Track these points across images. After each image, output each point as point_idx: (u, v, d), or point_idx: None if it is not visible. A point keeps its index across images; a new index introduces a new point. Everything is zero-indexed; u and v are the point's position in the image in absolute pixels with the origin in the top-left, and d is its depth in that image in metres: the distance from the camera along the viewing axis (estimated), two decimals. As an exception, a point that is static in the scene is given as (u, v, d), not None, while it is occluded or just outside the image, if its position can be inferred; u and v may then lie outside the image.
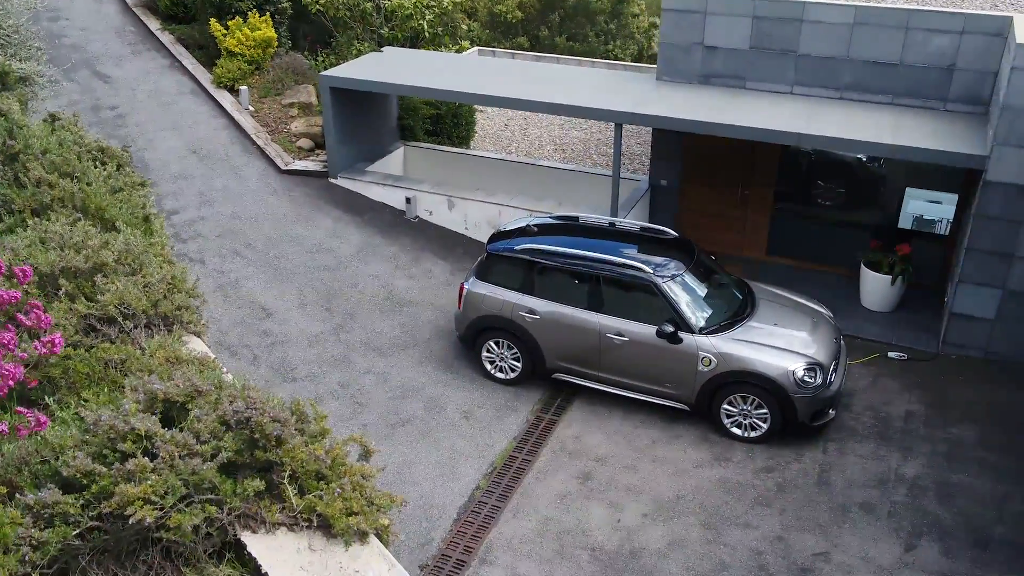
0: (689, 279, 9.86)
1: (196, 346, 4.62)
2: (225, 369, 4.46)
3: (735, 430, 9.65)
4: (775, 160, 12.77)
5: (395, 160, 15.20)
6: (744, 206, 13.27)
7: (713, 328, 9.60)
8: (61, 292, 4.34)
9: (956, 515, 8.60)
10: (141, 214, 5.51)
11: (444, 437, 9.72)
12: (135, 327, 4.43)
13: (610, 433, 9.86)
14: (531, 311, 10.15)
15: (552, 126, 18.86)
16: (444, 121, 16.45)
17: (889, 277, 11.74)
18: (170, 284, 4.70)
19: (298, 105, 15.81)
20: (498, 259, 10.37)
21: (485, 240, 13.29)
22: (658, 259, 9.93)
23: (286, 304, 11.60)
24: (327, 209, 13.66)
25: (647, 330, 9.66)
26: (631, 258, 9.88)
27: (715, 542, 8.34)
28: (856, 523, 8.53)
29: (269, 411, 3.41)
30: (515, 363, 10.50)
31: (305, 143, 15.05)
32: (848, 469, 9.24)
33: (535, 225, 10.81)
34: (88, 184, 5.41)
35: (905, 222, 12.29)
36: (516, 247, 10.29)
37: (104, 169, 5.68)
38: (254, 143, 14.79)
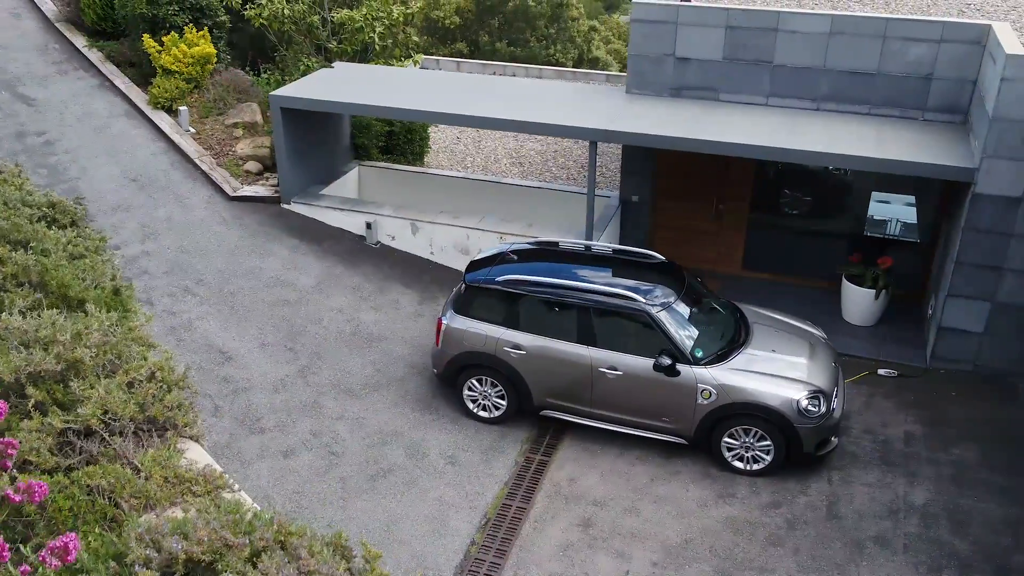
0: (682, 307, 9.38)
1: (195, 454, 3.89)
2: (234, 482, 3.75)
3: (737, 463, 9.21)
4: (750, 174, 12.42)
5: (350, 181, 14.42)
6: (719, 221, 12.90)
7: (711, 358, 9.14)
8: (30, 404, 3.57)
9: (972, 544, 8.30)
10: (109, 286, 4.72)
11: (430, 487, 9.04)
12: (122, 438, 3.69)
13: (606, 472, 9.32)
14: (516, 346, 9.55)
15: (507, 138, 18.27)
16: (398, 137, 15.72)
17: (872, 291, 11.48)
18: (160, 382, 3.96)
19: (243, 125, 14.88)
20: (478, 291, 9.74)
21: (452, 264, 12.70)
22: (648, 287, 9.43)
23: (246, 345, 10.75)
24: (282, 238, 12.81)
25: (642, 363, 9.15)
26: (621, 287, 9.35)
27: (732, 591, 7.87)
28: (874, 560, 8.16)
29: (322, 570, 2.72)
30: (499, 401, 9.88)
31: (253, 166, 14.15)
32: (856, 499, 8.88)
33: (513, 252, 10.21)
34: (45, 254, 4.62)
35: (872, 225, 12.13)
36: (497, 278, 9.66)
37: (63, 233, 4.88)
38: (198, 168, 13.83)
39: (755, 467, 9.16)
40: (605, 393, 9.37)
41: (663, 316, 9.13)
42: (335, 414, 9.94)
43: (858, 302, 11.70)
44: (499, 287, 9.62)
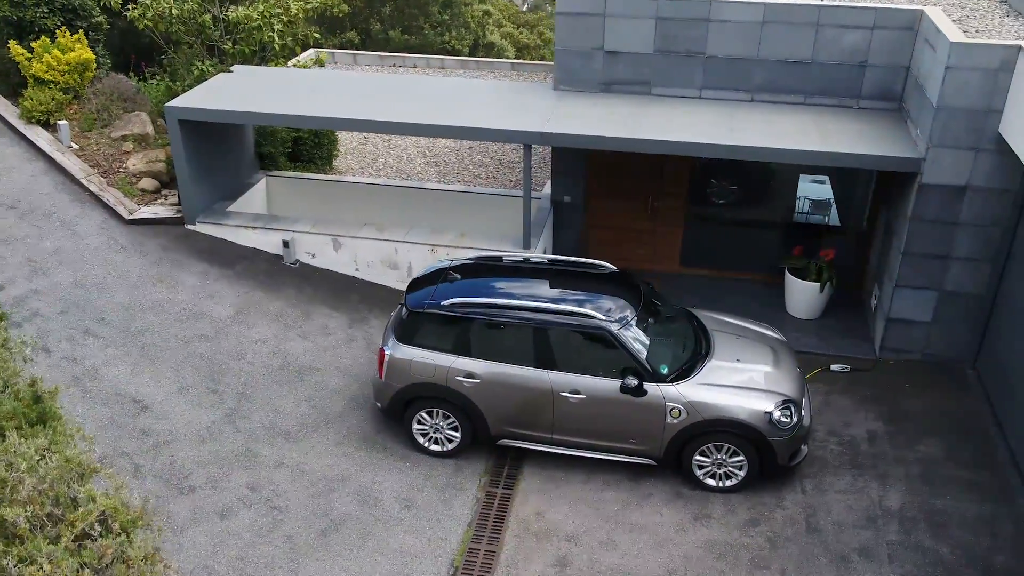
0: (642, 321, 8.87)
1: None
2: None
3: (709, 481, 8.80)
4: (686, 169, 12.03)
5: (257, 195, 13.30)
6: (654, 218, 12.47)
7: (676, 374, 8.68)
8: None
9: (954, 548, 8.14)
10: (27, 392, 3.80)
11: (388, 537, 8.27)
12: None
13: (574, 502, 8.75)
14: (469, 375, 8.84)
15: (419, 136, 17.34)
16: (305, 143, 14.64)
17: (817, 285, 11.29)
18: (115, 533, 3.11)
19: (132, 138, 13.52)
20: (423, 317, 8.96)
21: (381, 281, 11.89)
22: (606, 302, 8.87)
23: (163, 391, 9.64)
24: (190, 264, 11.63)
25: (606, 384, 8.59)
26: (578, 304, 8.76)
27: (726, 625, 7.46)
28: (860, 574, 7.89)
29: None
30: (452, 433, 9.17)
31: (148, 184, 12.85)
32: (833, 509, 8.61)
33: (454, 270, 9.47)
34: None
35: (804, 213, 12.04)
36: (443, 302, 8.91)
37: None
38: (86, 189, 12.44)
39: (728, 483, 8.78)
40: (568, 418, 8.79)
41: (625, 333, 8.59)
42: (272, 462, 9.01)
43: (802, 296, 11.50)
44: (446, 312, 8.87)
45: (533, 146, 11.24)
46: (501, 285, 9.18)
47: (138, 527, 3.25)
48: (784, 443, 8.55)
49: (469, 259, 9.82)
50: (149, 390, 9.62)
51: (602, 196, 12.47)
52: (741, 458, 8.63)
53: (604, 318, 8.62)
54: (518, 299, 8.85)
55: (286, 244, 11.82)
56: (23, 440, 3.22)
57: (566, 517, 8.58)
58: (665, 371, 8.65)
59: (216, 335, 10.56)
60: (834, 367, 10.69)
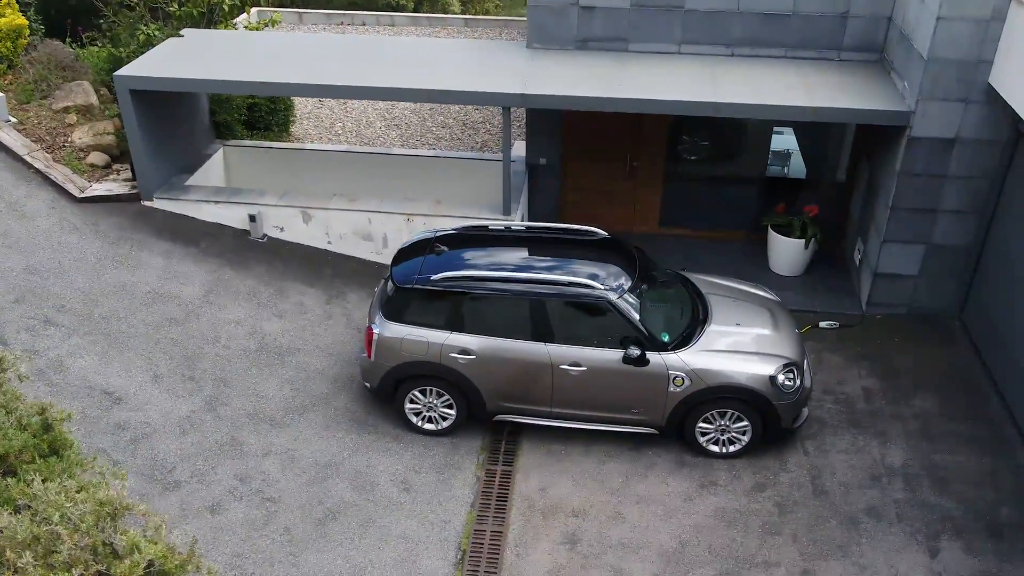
0: (640, 289, 8.61)
1: None
2: None
3: (712, 447, 8.66)
4: (664, 127, 11.72)
5: (215, 166, 12.60)
6: (633, 179, 12.18)
7: (677, 341, 8.46)
8: None
9: (959, 504, 8.16)
10: (36, 420, 3.36)
11: (390, 523, 7.95)
12: None
13: (577, 477, 8.54)
14: (464, 351, 8.49)
15: (391, 101, 16.66)
16: (260, 109, 13.93)
17: (802, 241, 11.17)
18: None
19: (75, 109, 12.65)
20: (413, 293, 8.55)
21: (354, 253, 11.42)
22: (603, 271, 8.58)
23: (136, 381, 9.09)
24: (151, 243, 10.97)
25: (607, 355, 8.34)
26: (574, 274, 8.46)
27: (744, 595, 7.35)
28: (871, 535, 7.85)
29: None
30: (447, 411, 8.84)
31: (98, 158, 12.06)
32: (837, 470, 8.55)
33: (440, 241, 9.06)
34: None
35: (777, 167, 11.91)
36: (433, 277, 8.51)
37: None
38: (30, 167, 11.61)
39: (731, 449, 8.65)
40: (568, 391, 8.52)
41: (624, 302, 8.32)
42: (259, 450, 8.58)
43: (787, 253, 11.38)
44: (437, 287, 8.48)
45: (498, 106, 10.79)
46: (491, 257, 8.80)
47: (188, 573, 2.86)
48: (788, 406, 8.43)
49: (454, 229, 9.41)
50: (120, 381, 9.06)
51: (579, 157, 12.12)
52: (745, 423, 8.49)
53: (603, 287, 8.33)
54: (512, 271, 8.50)
55: (253, 218, 11.22)
56: (49, 483, 2.78)
57: (570, 492, 8.36)
58: (666, 339, 8.43)
59: (186, 318, 9.99)
60: (823, 324, 10.62)
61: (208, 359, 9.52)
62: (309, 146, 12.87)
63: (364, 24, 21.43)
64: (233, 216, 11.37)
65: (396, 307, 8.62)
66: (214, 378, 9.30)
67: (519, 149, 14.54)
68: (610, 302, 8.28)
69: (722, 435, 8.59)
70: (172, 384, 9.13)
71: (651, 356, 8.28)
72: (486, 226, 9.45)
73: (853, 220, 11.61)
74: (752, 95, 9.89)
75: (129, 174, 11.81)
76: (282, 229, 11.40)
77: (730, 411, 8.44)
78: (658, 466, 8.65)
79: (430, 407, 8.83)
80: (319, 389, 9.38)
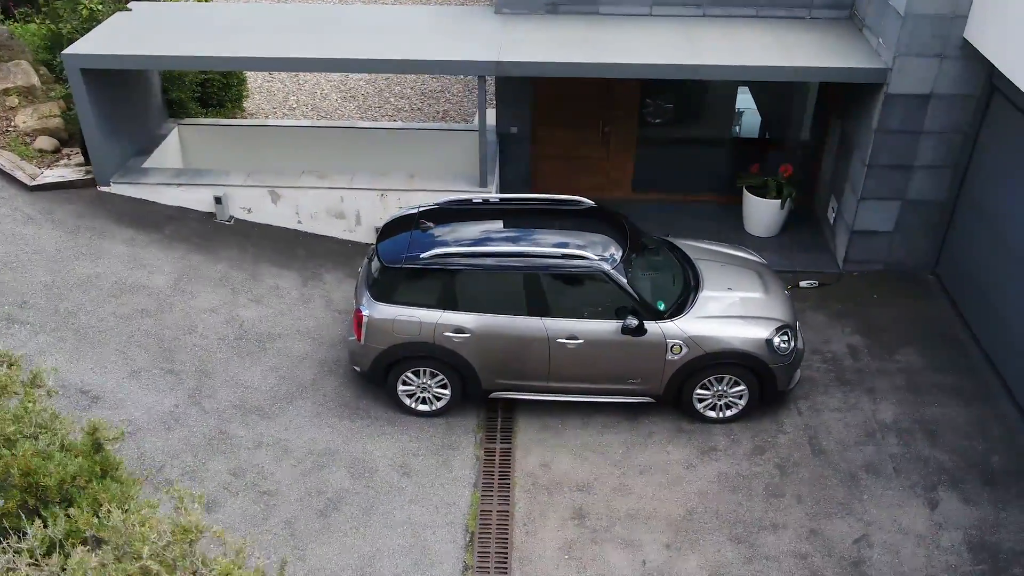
0: (633, 257, 8.51)
1: None
2: None
3: (710, 413, 8.67)
4: (636, 91, 11.58)
5: (171, 147, 12.05)
6: (606, 145, 12.03)
7: (672, 309, 8.41)
8: None
9: (952, 454, 8.33)
10: (86, 440, 3.12)
11: (393, 509, 7.79)
12: None
13: (576, 450, 8.47)
14: (459, 329, 8.30)
15: (362, 74, 16.10)
16: (213, 85, 13.36)
17: (778, 202, 11.20)
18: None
19: (15, 91, 11.94)
20: (402, 273, 8.31)
21: (327, 232, 11.10)
22: (595, 240, 8.45)
23: (112, 377, 8.69)
24: (112, 231, 10.46)
25: (604, 327, 8.24)
26: (567, 246, 8.32)
27: (756, 558, 7.39)
28: (872, 491, 7.97)
29: None
30: (441, 391, 8.67)
31: (46, 143, 11.42)
32: (832, 429, 8.65)
33: (425, 216, 8.82)
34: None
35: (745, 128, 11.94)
36: (423, 255, 8.27)
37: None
38: (-27, 154, 10.95)
39: (728, 413, 8.67)
40: (565, 365, 8.42)
41: (620, 272, 8.22)
42: (251, 443, 8.30)
43: (763, 214, 11.40)
44: (427, 265, 8.25)
45: (472, 75, 10.50)
46: (480, 231, 8.60)
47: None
48: (783, 369, 8.48)
49: (437, 204, 9.16)
50: (96, 378, 8.65)
51: (550, 124, 11.92)
52: (742, 388, 8.51)
53: (597, 258, 8.21)
54: (503, 245, 8.32)
55: (218, 200, 10.78)
56: (129, 514, 2.55)
57: (573, 466, 8.29)
58: (662, 307, 8.37)
59: (159, 309, 9.58)
60: (803, 283, 10.69)
61: (186, 350, 9.15)
62: (270, 122, 12.40)
63: (306, -9, 20.69)
64: (197, 199, 10.91)
65: (385, 287, 8.37)
66: (195, 370, 8.94)
67: (490, 116, 14.27)
68: (605, 272, 8.16)
69: (719, 400, 8.60)
70: (151, 379, 8.76)
71: (648, 325, 8.22)
72: (469, 200, 9.22)
73: (824, 179, 11.68)
74: (732, 56, 9.80)
75: (81, 158, 11.23)
76: (249, 210, 10.98)
77: (727, 376, 8.45)
78: (657, 435, 8.64)
79: (424, 388, 8.64)
80: (305, 375, 9.10)
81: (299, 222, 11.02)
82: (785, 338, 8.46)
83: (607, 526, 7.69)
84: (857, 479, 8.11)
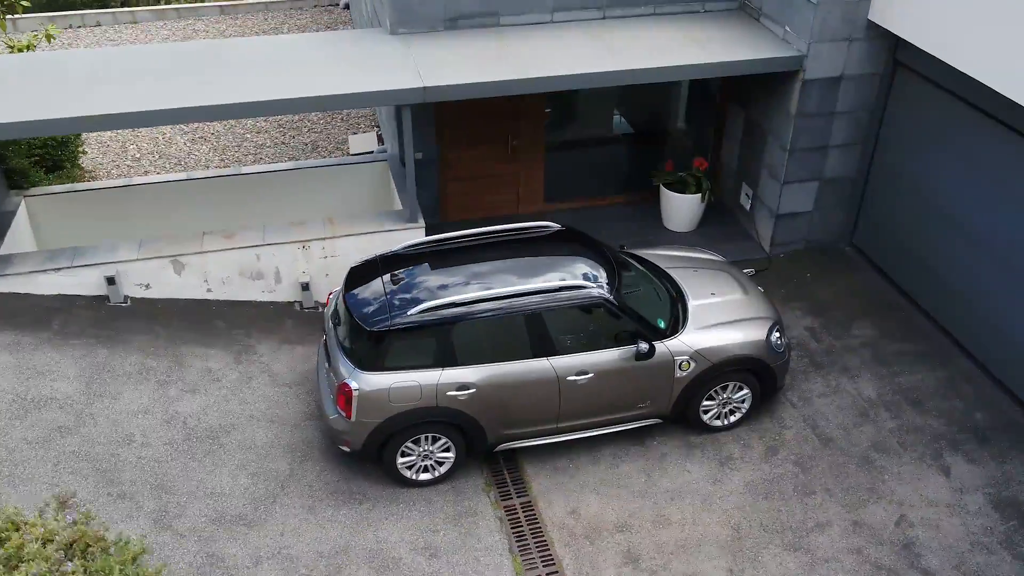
0: (624, 279, 8.15)
1: None
2: None
3: (716, 422, 8.51)
4: (543, 102, 11.18)
5: (22, 225, 10.17)
6: (515, 160, 11.55)
7: (671, 325, 8.14)
8: None
9: (940, 419, 8.69)
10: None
11: (436, 599, 6.98)
12: None
13: (598, 488, 8.02)
14: (463, 386, 7.56)
15: (271, 116, 14.35)
16: (46, 144, 11.48)
17: (698, 196, 11.25)
18: None
19: None
20: (391, 336, 7.43)
21: (244, 296, 9.93)
22: (584, 267, 8.02)
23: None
24: (-13, 337, 8.65)
25: (611, 356, 7.83)
26: (561, 277, 7.81)
27: (817, 562, 7.30)
28: (889, 470, 8.14)
29: None
30: (444, 455, 7.89)
31: None
32: (828, 414, 8.76)
33: (386, 265, 7.98)
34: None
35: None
36: (411, 312, 7.44)
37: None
38: None
39: (732, 419, 8.55)
40: (576, 402, 7.92)
41: (617, 296, 7.83)
42: (248, 560, 7.13)
43: (683, 209, 11.41)
44: (419, 323, 7.43)
45: (396, 104, 9.66)
46: (461, 275, 7.88)
47: None
48: (782, 366, 8.49)
49: (397, 250, 8.30)
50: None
51: (457, 145, 11.26)
52: (745, 392, 8.42)
53: (595, 285, 7.77)
54: (493, 287, 7.66)
55: (111, 280, 9.21)
56: None
57: (601, 507, 7.83)
58: (663, 325, 8.08)
59: (78, 422, 8.01)
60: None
61: (131, 466, 7.72)
62: (136, 180, 10.78)
63: (99, 23, 18.49)
64: (81, 282, 9.27)
65: (373, 355, 7.45)
66: (150, 487, 7.56)
67: (367, 142, 13.42)
68: (606, 299, 7.74)
69: (723, 408, 8.46)
70: (103, 508, 7.29)
71: (657, 346, 7.90)
72: (431, 241, 8.43)
73: (729, 167, 11.88)
74: (657, 58, 9.65)
75: (-83, 255, 9.21)
76: (148, 286, 9.49)
77: (732, 383, 8.32)
78: (670, 455, 8.36)
79: (426, 456, 7.82)
80: (280, 467, 7.97)
81: (209, 290, 9.68)
82: (778, 334, 8.46)
83: (664, 564, 7.32)
84: (871, 461, 8.26)
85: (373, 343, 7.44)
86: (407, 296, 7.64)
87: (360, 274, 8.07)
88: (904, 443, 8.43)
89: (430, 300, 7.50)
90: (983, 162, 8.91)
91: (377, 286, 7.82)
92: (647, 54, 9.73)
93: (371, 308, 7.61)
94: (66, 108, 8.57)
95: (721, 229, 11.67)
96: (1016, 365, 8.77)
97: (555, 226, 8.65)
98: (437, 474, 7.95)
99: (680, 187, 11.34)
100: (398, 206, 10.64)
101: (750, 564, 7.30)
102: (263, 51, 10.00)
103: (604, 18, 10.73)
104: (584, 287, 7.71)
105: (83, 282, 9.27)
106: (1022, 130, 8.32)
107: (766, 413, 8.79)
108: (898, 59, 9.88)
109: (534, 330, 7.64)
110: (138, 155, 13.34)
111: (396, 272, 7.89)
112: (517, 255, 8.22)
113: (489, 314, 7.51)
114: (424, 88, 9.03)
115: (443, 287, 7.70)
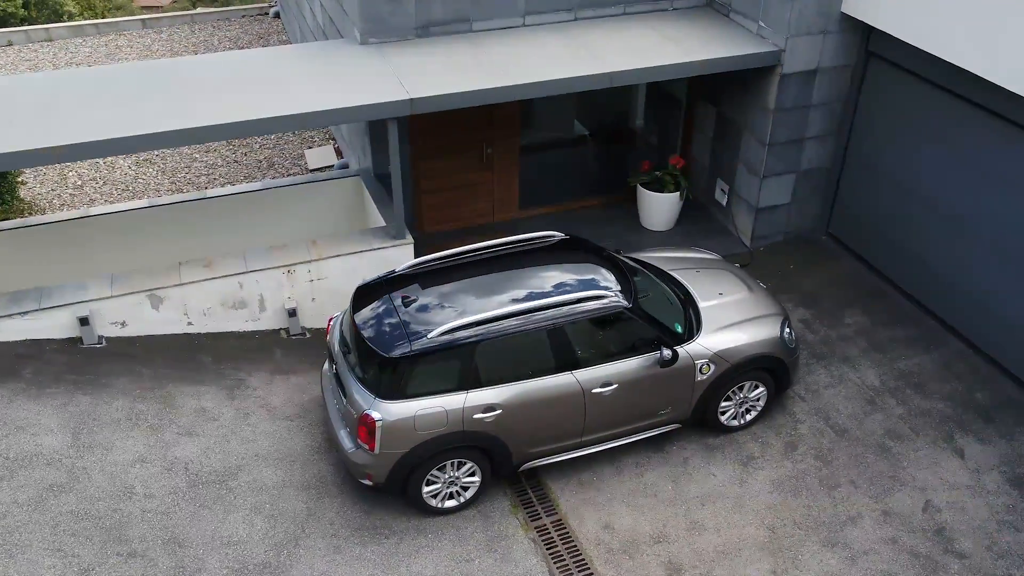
0: (638, 285, 8.01)
1: None
2: None
3: (733, 423, 8.46)
4: (517, 108, 10.95)
5: (-30, 265, 9.41)
6: (490, 168, 11.29)
7: (688, 328, 8.05)
8: None
9: (946, 402, 8.84)
10: None
11: (485, 632, 6.70)
12: None
13: (627, 499, 7.86)
14: (489, 408, 7.28)
15: (250, 137, 13.58)
16: (-16, 177, 10.66)
17: (676, 195, 11.22)
18: None
19: None
20: (412, 361, 7.08)
21: (228, 327, 9.43)
22: (599, 276, 7.83)
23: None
24: (-46, 392, 7.90)
25: (633, 364, 7.67)
26: (579, 288, 7.61)
27: (857, 556, 7.31)
28: (906, 456, 8.24)
29: None
30: (470, 479, 7.60)
31: None
32: (838, 406, 8.82)
33: (393, 286, 7.65)
34: None
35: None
36: (431, 335, 7.12)
37: None
38: None
39: (748, 418, 8.52)
40: (600, 414, 7.73)
41: (637, 303, 7.68)
42: (279, 611, 6.70)
43: (661, 208, 11.37)
44: (440, 346, 7.11)
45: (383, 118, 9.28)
46: (473, 292, 7.60)
47: None
48: (795, 360, 8.50)
49: (402, 270, 7.94)
50: (39, 595, 6.48)
51: (430, 156, 10.93)
52: (761, 390, 8.40)
53: (613, 294, 7.60)
54: (510, 303, 7.41)
55: (84, 321, 8.56)
56: None
57: (634, 519, 7.67)
58: (680, 329, 7.97)
59: (72, 478, 7.39)
60: (727, 269, 10.83)
61: (137, 522, 7.16)
62: (95, 211, 10.05)
63: (11, 43, 17.35)
64: (50, 325, 8.59)
65: (394, 382, 7.10)
66: (162, 543, 7.03)
67: (324, 156, 12.99)
68: (626, 308, 7.58)
69: (740, 408, 8.41)
70: (112, 571, 6.73)
71: (679, 351, 7.78)
72: (430, 259, 8.10)
73: (700, 163, 11.89)
74: (640, 58, 9.54)
75: None
76: (123, 324, 8.87)
77: (748, 382, 8.28)
78: (692, 460, 8.26)
79: (452, 482, 7.51)
80: (297, 507, 7.53)
81: (190, 323, 9.11)
82: (789, 330, 8.47)
83: (707, 572, 7.20)
84: (887, 448, 8.34)
85: (393, 370, 7.09)
86: (422, 317, 7.31)
87: (365, 297, 7.70)
88: (915, 428, 8.55)
89: (449, 320, 7.20)
90: (957, 144, 9.13)
91: (388, 309, 7.47)
92: (628, 55, 9.61)
93: (386, 332, 7.25)
94: (20, 140, 7.91)
95: (699, 226, 11.68)
96: (1007, 342, 9.01)
97: (559, 235, 8.44)
98: (463, 500, 7.65)
99: (657, 186, 11.30)
100: (376, 222, 10.26)
101: (792, 565, 7.25)
102: (229, 67, 9.47)
103: (576, 19, 10.58)
104: (605, 296, 7.53)
105: (53, 324, 8.59)
106: (994, 110, 8.54)
107: (778, 409, 8.79)
108: (870, 50, 10.04)
109: (557, 344, 7.42)
110: (79, 182, 12.52)
111: (406, 293, 7.55)
112: (527, 267, 7.98)
113: (511, 331, 7.25)
114: (411, 100, 8.70)
115: (458, 306, 7.41)
